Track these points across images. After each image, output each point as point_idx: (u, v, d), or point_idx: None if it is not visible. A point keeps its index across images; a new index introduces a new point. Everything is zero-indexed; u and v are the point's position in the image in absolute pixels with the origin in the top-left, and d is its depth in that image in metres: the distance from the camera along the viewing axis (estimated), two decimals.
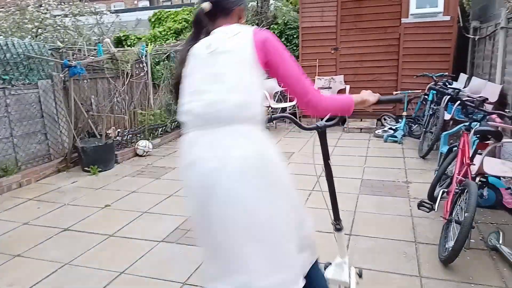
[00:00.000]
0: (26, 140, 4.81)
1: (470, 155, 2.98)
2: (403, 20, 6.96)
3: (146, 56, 6.57)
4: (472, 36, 6.73)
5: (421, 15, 6.84)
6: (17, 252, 3.01)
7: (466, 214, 2.45)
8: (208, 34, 1.53)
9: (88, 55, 5.64)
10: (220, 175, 1.34)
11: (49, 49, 5.26)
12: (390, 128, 6.41)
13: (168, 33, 10.88)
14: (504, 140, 2.94)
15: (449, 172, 3.57)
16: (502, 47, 5.06)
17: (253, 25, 8.50)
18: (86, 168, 4.99)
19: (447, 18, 6.74)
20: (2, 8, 7.97)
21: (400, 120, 6.52)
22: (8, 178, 4.44)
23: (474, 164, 2.91)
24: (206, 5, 1.52)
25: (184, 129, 1.48)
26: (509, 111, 3.50)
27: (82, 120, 5.48)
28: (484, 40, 6.20)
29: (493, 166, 3.08)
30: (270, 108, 7.21)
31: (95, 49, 5.92)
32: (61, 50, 5.36)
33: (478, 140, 2.97)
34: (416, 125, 6.37)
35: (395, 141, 6.05)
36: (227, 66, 1.42)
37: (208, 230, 1.41)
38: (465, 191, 2.68)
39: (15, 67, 4.74)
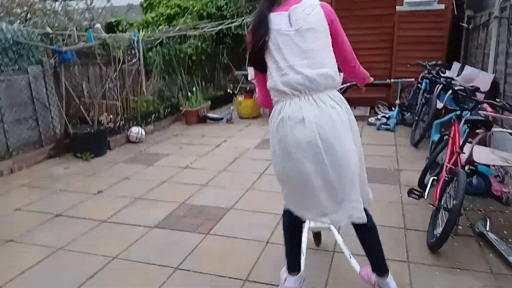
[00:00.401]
0: (17, 126, 4.76)
1: (460, 144, 3.01)
2: (398, 8, 6.92)
3: (138, 42, 6.49)
4: (465, 25, 6.73)
5: (416, 3, 6.80)
6: (9, 238, 3.01)
7: (454, 202, 2.50)
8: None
9: (79, 41, 5.55)
10: (328, 126, 1.71)
11: (39, 34, 5.17)
12: (384, 116, 6.44)
13: (161, 18, 10.72)
14: (493, 129, 2.97)
15: (440, 160, 3.61)
16: (495, 36, 5.07)
17: (248, 11, 8.44)
18: (78, 155, 4.96)
19: (442, 6, 6.72)
20: None
21: (393, 108, 6.55)
22: None
23: (464, 153, 2.94)
24: None
25: (281, 98, 1.78)
26: (499, 101, 3.52)
27: (73, 106, 5.43)
28: (477, 29, 6.21)
29: (482, 155, 3.12)
30: None
31: (85, 36, 5.82)
32: (51, 36, 5.27)
33: (468, 129, 3.01)
34: (409, 114, 6.41)
35: (388, 129, 6.09)
36: (314, 43, 1.74)
37: (320, 170, 1.74)
38: (454, 179, 2.72)
39: (4, 52, 4.65)
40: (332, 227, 2.44)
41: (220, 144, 5.60)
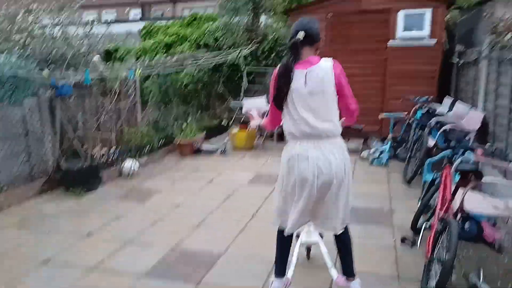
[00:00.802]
0: (8, 161, 4.73)
1: (452, 191, 3.02)
2: (390, 42, 7.08)
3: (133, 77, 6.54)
4: (456, 61, 6.87)
5: (408, 38, 6.95)
6: None
7: (447, 256, 2.48)
8: (298, 55, 2.29)
9: (77, 70, 5.57)
10: (326, 167, 2.29)
11: (36, 66, 5.20)
12: (376, 150, 6.46)
13: (158, 46, 10.85)
14: (484, 179, 2.98)
15: (433, 202, 3.61)
16: (484, 75, 5.18)
17: (244, 42, 8.55)
18: (70, 189, 4.92)
19: (433, 41, 6.88)
20: None
21: (386, 141, 6.59)
22: None
23: (455, 201, 2.95)
24: (301, 34, 2.27)
25: (293, 138, 2.39)
26: (490, 145, 3.56)
27: (67, 139, 5.42)
28: (468, 65, 6.33)
29: (474, 203, 3.11)
30: (258, 129, 7.23)
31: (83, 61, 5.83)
32: (49, 68, 5.30)
33: (459, 177, 3.02)
34: (402, 148, 6.45)
35: (381, 164, 6.11)
36: (321, 102, 2.29)
37: (313, 194, 2.33)
38: (447, 229, 2.72)
39: (0, 85, 4.66)
40: (320, 241, 2.90)
41: (213, 178, 5.58)
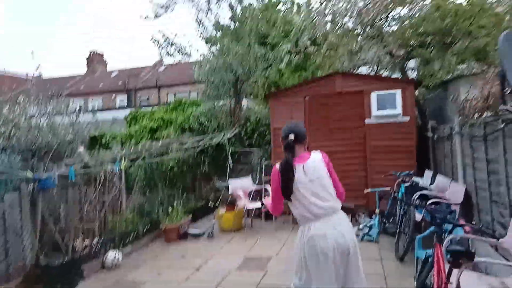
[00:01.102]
0: None
1: (446, 272, 2.97)
2: (367, 121, 7.44)
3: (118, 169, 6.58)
4: (431, 135, 7.21)
5: (382, 116, 7.33)
6: None
7: None
8: (294, 153, 2.79)
9: (60, 166, 5.57)
10: (341, 239, 2.69)
11: (20, 161, 5.19)
12: (365, 226, 6.42)
13: (144, 131, 11.09)
14: (476, 259, 2.96)
15: (429, 283, 3.52)
16: (459, 150, 5.40)
17: (228, 124, 8.86)
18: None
19: (406, 118, 7.25)
20: None
21: (374, 215, 6.58)
22: None
23: (451, 283, 2.89)
24: (292, 136, 2.80)
25: (306, 221, 2.78)
26: (475, 223, 3.61)
27: (49, 231, 5.23)
28: (442, 139, 6.63)
29: (470, 283, 3.06)
30: (245, 209, 7.17)
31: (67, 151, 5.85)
32: (33, 159, 5.30)
33: (451, 257, 3.00)
34: (390, 222, 6.43)
35: (371, 240, 6.03)
36: (320, 186, 2.76)
37: (337, 266, 2.70)
38: None
39: None
40: None
41: (201, 266, 5.35)
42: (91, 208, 5.85)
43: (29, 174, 4.92)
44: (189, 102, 11.84)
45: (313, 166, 2.77)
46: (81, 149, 6.03)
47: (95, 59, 31.67)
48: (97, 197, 5.96)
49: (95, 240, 5.63)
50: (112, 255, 5.43)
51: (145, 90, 26.53)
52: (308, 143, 2.91)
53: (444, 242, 3.37)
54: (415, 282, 3.99)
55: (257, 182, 7.93)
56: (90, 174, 5.93)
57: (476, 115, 4.67)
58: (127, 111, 13.07)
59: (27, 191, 5.04)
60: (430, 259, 3.60)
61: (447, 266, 3.05)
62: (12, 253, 4.79)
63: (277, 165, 2.84)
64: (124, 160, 6.44)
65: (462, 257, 2.83)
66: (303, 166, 2.76)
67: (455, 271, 3.00)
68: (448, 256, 3.12)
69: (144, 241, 6.58)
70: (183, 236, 6.80)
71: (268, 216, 7.66)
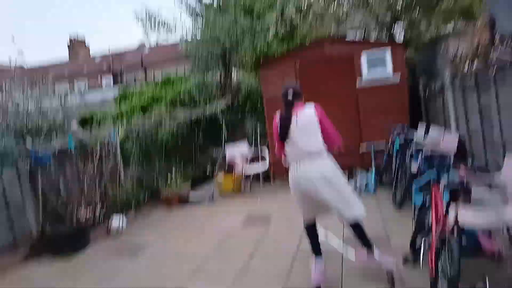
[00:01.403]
0: None
1: (444, 208, 3.10)
2: (358, 83, 7.50)
3: (114, 136, 6.57)
4: (422, 93, 7.32)
5: (372, 80, 7.39)
6: None
7: (452, 272, 2.50)
8: (291, 106, 3.33)
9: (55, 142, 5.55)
10: (318, 177, 3.23)
11: (15, 138, 5.16)
12: (362, 181, 6.58)
13: (134, 110, 10.98)
14: (473, 195, 3.09)
15: (427, 223, 3.67)
16: (451, 103, 5.52)
17: (219, 96, 8.88)
18: (57, 254, 4.68)
19: (397, 78, 7.33)
20: None
21: (369, 169, 6.75)
22: None
23: (449, 218, 3.02)
24: (291, 94, 3.33)
25: (293, 161, 3.36)
26: (470, 165, 3.75)
27: (50, 204, 5.26)
28: (434, 96, 6.75)
29: (468, 217, 3.18)
30: (243, 174, 7.26)
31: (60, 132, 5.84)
32: (26, 139, 5.27)
33: (449, 193, 3.13)
34: (386, 175, 6.59)
35: (369, 192, 6.21)
36: (308, 133, 3.28)
37: (318, 196, 3.27)
38: (446, 246, 2.75)
39: None
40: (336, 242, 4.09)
41: (204, 226, 5.48)
42: (90, 180, 5.87)
43: (29, 141, 4.90)
44: (178, 78, 11.72)
45: (305, 117, 3.28)
46: (74, 125, 5.99)
47: (76, 44, 30.98)
48: (96, 170, 5.97)
49: (98, 210, 5.68)
50: (116, 221, 5.52)
51: (131, 72, 26.17)
52: (304, 100, 3.44)
53: (441, 182, 3.50)
54: (413, 225, 4.15)
55: (253, 147, 7.99)
56: (86, 148, 5.93)
57: (466, 66, 4.76)
58: (115, 91, 12.89)
59: (25, 168, 5.04)
60: (428, 201, 3.75)
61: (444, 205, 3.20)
62: (16, 226, 4.84)
63: (277, 116, 3.42)
64: (121, 128, 6.44)
65: (459, 192, 2.97)
66: (297, 116, 3.28)
67: (452, 210, 3.15)
68: (446, 193, 3.27)
69: (146, 209, 6.67)
70: (184, 202, 6.90)
71: (267, 179, 7.78)
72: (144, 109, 10.79)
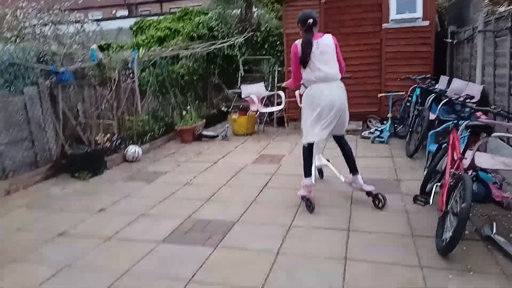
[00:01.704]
0: (12, 148, 4.69)
1: (462, 150, 3.09)
2: (384, 25, 7.17)
3: (133, 62, 6.54)
4: (450, 40, 7.00)
5: (401, 20, 7.06)
6: (13, 257, 2.92)
7: (463, 205, 2.54)
8: (312, 32, 3.50)
9: (75, 61, 5.56)
10: (336, 98, 3.53)
11: (35, 56, 5.17)
12: (376, 130, 6.55)
13: (151, 41, 10.80)
14: (494, 134, 3.06)
15: (440, 168, 3.69)
16: (481, 49, 5.28)
17: (238, 32, 8.63)
18: (76, 174, 4.89)
19: (426, 23, 6.99)
20: None
21: (385, 122, 6.69)
22: None
23: (466, 158, 3.02)
24: (311, 20, 3.47)
25: (313, 83, 3.56)
26: (494, 107, 3.65)
27: (69, 126, 5.39)
28: (462, 43, 6.46)
29: (483, 160, 3.19)
30: (258, 113, 7.27)
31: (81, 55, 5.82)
32: (47, 57, 5.27)
33: (468, 135, 3.10)
34: (402, 126, 6.55)
35: (382, 142, 6.19)
36: (328, 58, 3.52)
37: (334, 115, 3.54)
38: (460, 183, 2.78)
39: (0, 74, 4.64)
40: (329, 163, 4.18)
41: (217, 160, 5.60)
42: (108, 106, 5.94)
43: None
44: (196, 11, 11.33)
45: (325, 43, 3.51)
46: (94, 46, 5.94)
47: None
48: (113, 96, 6.02)
49: (115, 136, 5.81)
50: (132, 149, 5.65)
51: (146, 5, 25.34)
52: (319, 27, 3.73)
53: (462, 125, 3.46)
54: (425, 171, 4.18)
55: (269, 89, 7.91)
56: (104, 71, 5.92)
57: (504, 7, 4.47)
58: (131, 21, 12.58)
59: (45, 85, 5.09)
60: (444, 146, 3.73)
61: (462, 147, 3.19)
62: (37, 143, 5.00)
63: (298, 42, 3.56)
64: (143, 49, 6.40)
65: (481, 130, 2.93)
66: (317, 42, 3.49)
67: (469, 152, 3.14)
68: (465, 134, 3.24)
69: (161, 141, 6.80)
70: (198, 137, 7.00)
71: (280, 123, 7.79)
72: (161, 41, 10.61)
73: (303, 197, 3.68)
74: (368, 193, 3.69)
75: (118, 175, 5.09)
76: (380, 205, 3.59)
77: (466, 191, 2.60)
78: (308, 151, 3.72)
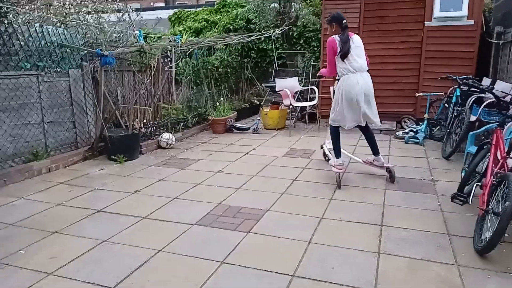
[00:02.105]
0: (55, 127, 4.91)
1: (506, 150, 2.98)
2: (427, 23, 6.96)
3: (171, 51, 6.67)
4: (496, 41, 6.71)
5: (445, 18, 6.83)
6: (54, 229, 3.07)
7: (506, 203, 2.45)
8: (344, 29, 4.01)
9: (117, 47, 5.74)
10: (367, 86, 4.04)
11: (81, 39, 5.38)
12: (411, 130, 6.39)
13: (188, 32, 10.98)
14: None
15: (479, 169, 3.56)
16: None
17: (274, 26, 8.63)
18: (112, 157, 5.06)
19: (471, 22, 6.72)
20: (30, 3, 8.13)
21: (420, 123, 6.51)
22: (38, 163, 4.53)
23: (511, 157, 2.91)
24: (345, 21, 3.99)
25: (350, 72, 4.01)
26: None
27: (108, 110, 5.58)
28: (508, 44, 6.18)
29: None
30: (290, 107, 7.25)
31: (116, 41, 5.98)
32: (92, 40, 5.47)
33: None
34: (437, 128, 6.35)
35: (417, 143, 6.03)
36: (360, 51, 4.07)
37: (365, 104, 4.05)
38: (503, 182, 2.68)
39: (48, 55, 4.86)
40: (346, 152, 4.67)
41: (249, 152, 5.63)
42: (145, 93, 6.10)
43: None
44: (234, 3, 11.41)
45: (357, 40, 4.08)
46: (137, 32, 6.10)
47: None
48: (151, 83, 6.17)
49: (150, 122, 5.96)
50: (167, 136, 5.78)
51: None
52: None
53: (507, 125, 3.32)
54: (462, 173, 4.05)
55: (302, 84, 7.87)
56: (145, 58, 6.08)
57: None
58: (170, 12, 12.83)
59: (89, 68, 5.29)
60: (486, 146, 3.60)
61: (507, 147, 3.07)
62: (78, 125, 5.20)
63: (335, 37, 4.01)
64: (186, 34, 6.52)
65: None
66: (352, 38, 4.03)
67: None
68: (510, 132, 3.10)
69: (193, 130, 6.92)
70: (229, 129, 7.07)
71: (311, 119, 7.74)
72: (198, 32, 10.77)
73: (336, 173, 4.13)
74: (388, 171, 4.25)
75: (152, 160, 5.22)
76: (392, 179, 4.22)
77: (510, 190, 2.50)
78: (336, 133, 4.26)
